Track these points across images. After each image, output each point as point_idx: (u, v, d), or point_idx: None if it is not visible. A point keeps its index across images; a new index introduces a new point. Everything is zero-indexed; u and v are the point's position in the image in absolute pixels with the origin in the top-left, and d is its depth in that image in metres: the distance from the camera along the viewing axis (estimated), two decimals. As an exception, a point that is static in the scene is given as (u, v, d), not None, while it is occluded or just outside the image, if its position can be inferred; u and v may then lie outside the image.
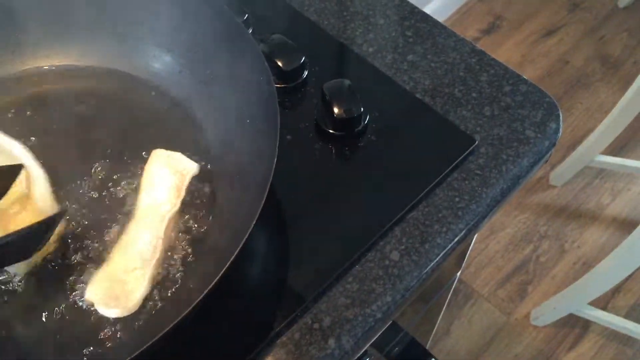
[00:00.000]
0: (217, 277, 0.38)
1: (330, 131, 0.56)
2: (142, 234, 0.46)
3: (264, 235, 0.52)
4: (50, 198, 0.48)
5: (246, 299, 0.49)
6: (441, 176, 0.54)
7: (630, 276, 1.49)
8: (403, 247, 0.51)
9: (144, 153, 0.52)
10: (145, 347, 0.35)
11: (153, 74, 0.56)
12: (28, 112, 0.54)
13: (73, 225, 0.48)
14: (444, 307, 1.00)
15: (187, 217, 0.49)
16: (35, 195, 0.47)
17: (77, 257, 0.47)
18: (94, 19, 0.56)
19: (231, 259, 0.38)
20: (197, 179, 0.51)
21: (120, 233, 0.47)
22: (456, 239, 0.52)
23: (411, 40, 0.64)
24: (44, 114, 0.54)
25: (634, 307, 1.51)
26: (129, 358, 0.35)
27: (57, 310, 0.44)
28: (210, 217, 0.49)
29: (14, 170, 0.46)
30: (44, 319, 0.44)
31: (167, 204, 0.48)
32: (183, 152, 0.51)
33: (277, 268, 0.50)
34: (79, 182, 0.50)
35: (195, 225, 0.48)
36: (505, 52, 1.96)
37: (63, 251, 0.47)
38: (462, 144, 0.56)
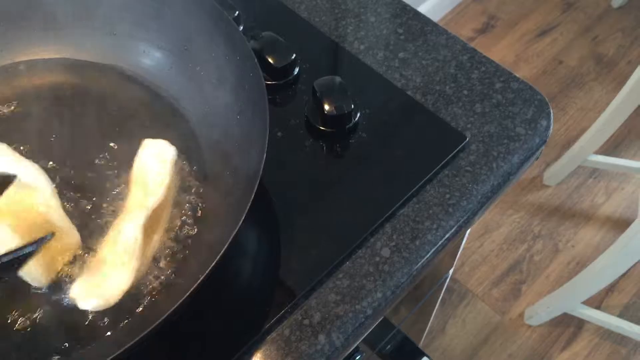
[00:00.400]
0: (206, 273, 0.38)
1: (321, 128, 0.56)
2: (126, 226, 0.45)
3: (254, 232, 0.52)
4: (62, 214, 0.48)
5: (236, 295, 0.49)
6: (432, 173, 0.54)
7: (623, 275, 1.50)
8: (393, 243, 0.51)
9: (134, 148, 0.51)
10: (132, 342, 0.35)
11: (143, 69, 0.56)
12: (17, 108, 0.54)
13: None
14: (437, 305, 1.00)
15: (175, 212, 0.49)
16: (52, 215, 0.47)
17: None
18: (84, 15, 0.55)
19: (220, 253, 0.38)
20: (186, 174, 0.51)
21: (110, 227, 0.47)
22: (447, 236, 0.52)
23: (402, 37, 0.64)
24: (33, 108, 0.54)
25: (628, 306, 1.51)
26: (117, 352, 0.35)
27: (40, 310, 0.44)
28: (200, 213, 0.49)
29: (6, 180, 0.46)
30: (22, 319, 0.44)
31: (151, 194, 0.47)
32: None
33: (267, 264, 0.50)
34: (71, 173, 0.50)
35: (185, 221, 0.48)
36: (500, 51, 1.97)
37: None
38: (453, 141, 0.56)
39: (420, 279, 0.54)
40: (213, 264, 0.38)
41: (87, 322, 0.44)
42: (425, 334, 1.17)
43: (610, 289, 1.54)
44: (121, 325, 0.44)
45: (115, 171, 0.51)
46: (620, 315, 1.48)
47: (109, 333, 0.43)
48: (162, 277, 0.46)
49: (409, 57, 0.62)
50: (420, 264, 0.51)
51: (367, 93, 0.59)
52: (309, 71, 0.61)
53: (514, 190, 1.70)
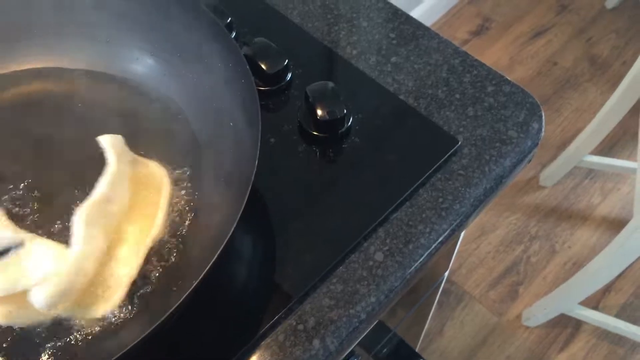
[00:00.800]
0: (199, 279, 0.38)
1: (314, 133, 0.56)
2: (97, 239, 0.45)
3: (248, 237, 0.52)
4: None
5: (230, 300, 0.49)
6: (425, 177, 0.54)
7: (620, 275, 1.50)
8: (387, 247, 0.51)
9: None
10: (126, 349, 0.35)
11: (136, 76, 0.56)
12: (10, 115, 0.54)
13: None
14: (433, 308, 1.00)
15: (168, 219, 0.49)
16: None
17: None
18: (74, 23, 0.56)
19: (212, 260, 0.38)
20: (178, 182, 0.51)
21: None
22: (440, 239, 0.52)
23: (395, 42, 0.64)
24: (26, 117, 0.54)
25: (625, 306, 1.52)
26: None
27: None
28: (192, 219, 0.49)
29: None
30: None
31: (114, 200, 0.47)
32: (165, 155, 0.52)
33: (261, 270, 0.50)
34: (75, 192, 0.50)
35: (177, 227, 0.48)
36: (494, 53, 1.97)
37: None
38: (445, 145, 0.56)
39: (414, 283, 0.54)
40: (205, 270, 0.38)
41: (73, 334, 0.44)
42: (422, 337, 1.17)
43: (607, 289, 1.54)
44: (111, 332, 0.44)
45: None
46: (617, 316, 1.48)
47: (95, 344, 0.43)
48: (154, 284, 0.46)
49: (401, 61, 0.63)
50: (413, 267, 0.51)
51: (360, 98, 0.59)
52: (301, 77, 0.61)
53: (510, 192, 1.71)
